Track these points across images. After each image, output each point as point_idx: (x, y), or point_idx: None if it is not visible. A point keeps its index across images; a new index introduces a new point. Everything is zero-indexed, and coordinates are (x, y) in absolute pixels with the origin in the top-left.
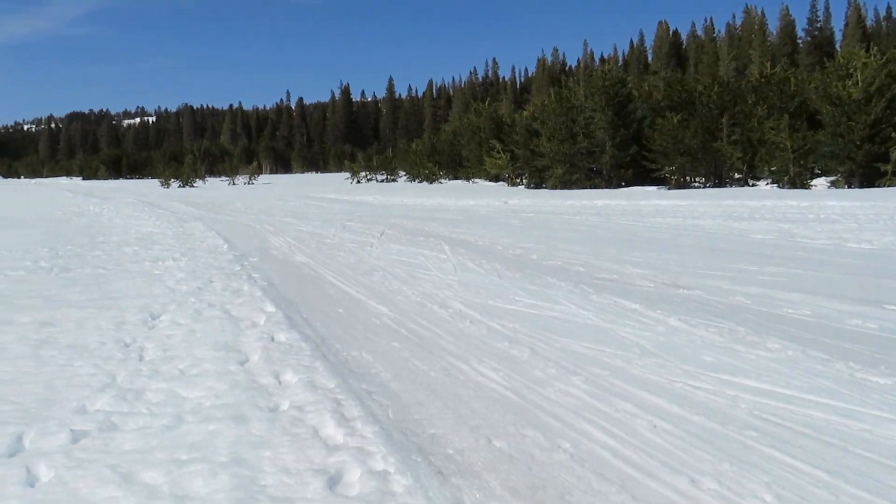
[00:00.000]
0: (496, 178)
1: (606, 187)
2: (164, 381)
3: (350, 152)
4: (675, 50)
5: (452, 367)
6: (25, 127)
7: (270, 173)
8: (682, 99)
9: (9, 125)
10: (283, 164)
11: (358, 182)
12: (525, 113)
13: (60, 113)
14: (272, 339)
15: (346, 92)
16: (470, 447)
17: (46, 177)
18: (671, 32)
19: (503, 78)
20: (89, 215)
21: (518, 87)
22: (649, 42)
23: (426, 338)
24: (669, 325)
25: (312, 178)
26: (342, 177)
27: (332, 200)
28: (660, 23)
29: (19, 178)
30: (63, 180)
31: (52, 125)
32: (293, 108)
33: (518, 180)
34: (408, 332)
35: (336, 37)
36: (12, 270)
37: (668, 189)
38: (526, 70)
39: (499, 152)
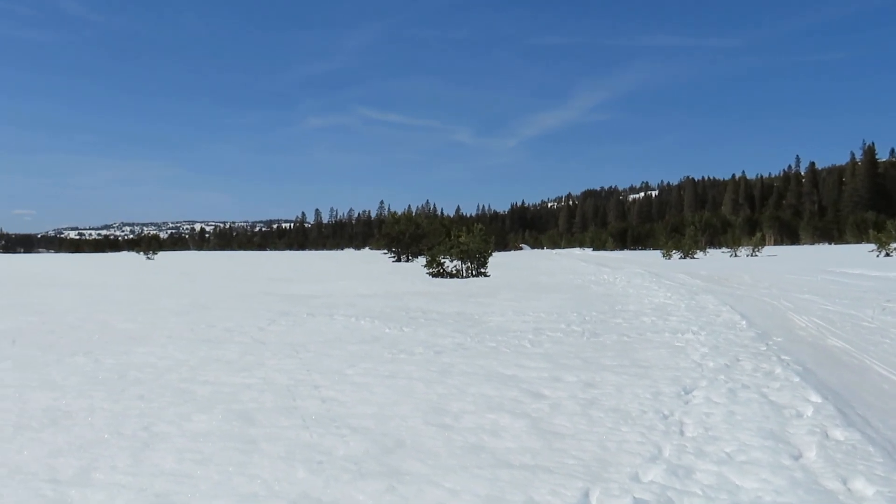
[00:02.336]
0: None
1: None
2: (713, 463)
3: (874, 220)
4: None
5: None
6: (549, 204)
7: (775, 244)
8: None
9: (536, 203)
10: (788, 235)
11: (887, 255)
12: None
13: (577, 191)
14: (826, 436)
15: (869, 152)
16: None
17: (563, 247)
18: None
19: None
20: (604, 284)
21: None
22: None
23: None
24: None
25: (824, 249)
26: (863, 249)
27: (857, 276)
28: None
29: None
30: (577, 251)
31: (570, 202)
32: (802, 173)
33: None
34: None
35: (856, 96)
36: (551, 332)
37: None
38: None
39: None
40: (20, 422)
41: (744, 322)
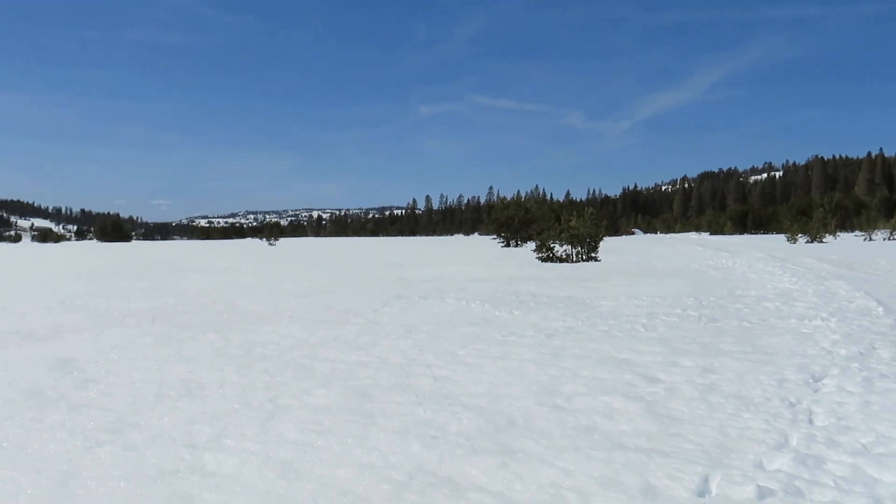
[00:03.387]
0: None
1: None
2: (847, 454)
3: None
4: None
5: None
6: (663, 188)
7: None
8: None
9: (649, 187)
10: None
11: None
12: None
13: (693, 173)
14: None
15: None
16: None
17: (678, 232)
18: None
19: None
20: (722, 269)
21: None
22: None
23: None
24: None
25: None
26: None
27: None
28: None
29: (656, 233)
30: (692, 235)
31: (686, 185)
32: None
33: None
34: None
35: None
36: (666, 316)
37: None
38: None
39: None
40: (161, 392)
41: (881, 308)
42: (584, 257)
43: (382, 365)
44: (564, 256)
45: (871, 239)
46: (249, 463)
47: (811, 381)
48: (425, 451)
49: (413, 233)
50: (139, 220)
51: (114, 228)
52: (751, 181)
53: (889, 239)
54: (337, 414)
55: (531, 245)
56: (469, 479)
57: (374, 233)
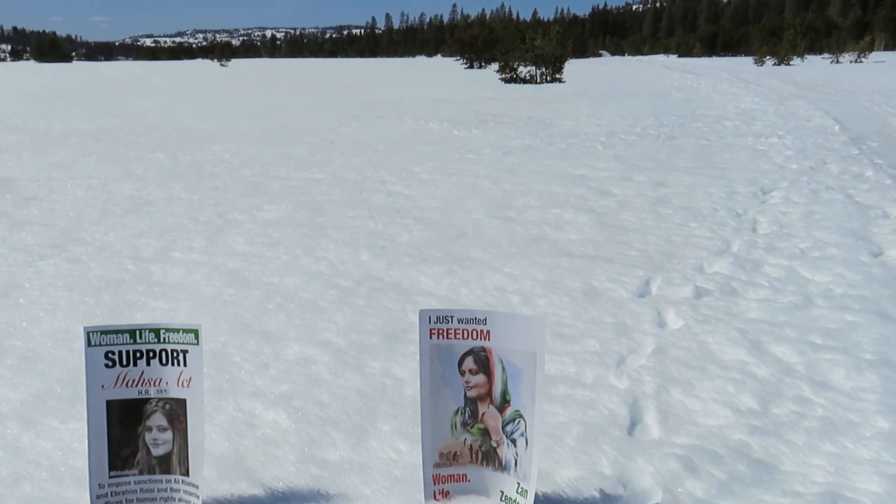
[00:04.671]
0: None
1: None
2: (784, 258)
3: None
4: None
5: None
6: (634, 6)
7: (885, 50)
8: None
9: (620, 6)
10: None
11: None
12: None
13: None
14: None
15: None
16: None
17: (647, 54)
18: None
19: None
20: (687, 90)
21: None
22: None
23: None
24: None
25: None
26: None
27: None
28: None
29: (623, 55)
30: (660, 57)
31: (658, 3)
32: None
33: None
34: None
35: None
36: (625, 135)
37: None
38: None
39: None
40: (106, 208)
41: (837, 126)
42: (548, 79)
43: (336, 181)
44: (528, 77)
45: (837, 62)
46: (196, 273)
47: (760, 193)
48: (374, 259)
49: (373, 54)
50: (79, 39)
51: (52, 47)
52: (724, 1)
53: (856, 61)
54: (287, 227)
55: (495, 66)
56: (416, 285)
57: (333, 54)
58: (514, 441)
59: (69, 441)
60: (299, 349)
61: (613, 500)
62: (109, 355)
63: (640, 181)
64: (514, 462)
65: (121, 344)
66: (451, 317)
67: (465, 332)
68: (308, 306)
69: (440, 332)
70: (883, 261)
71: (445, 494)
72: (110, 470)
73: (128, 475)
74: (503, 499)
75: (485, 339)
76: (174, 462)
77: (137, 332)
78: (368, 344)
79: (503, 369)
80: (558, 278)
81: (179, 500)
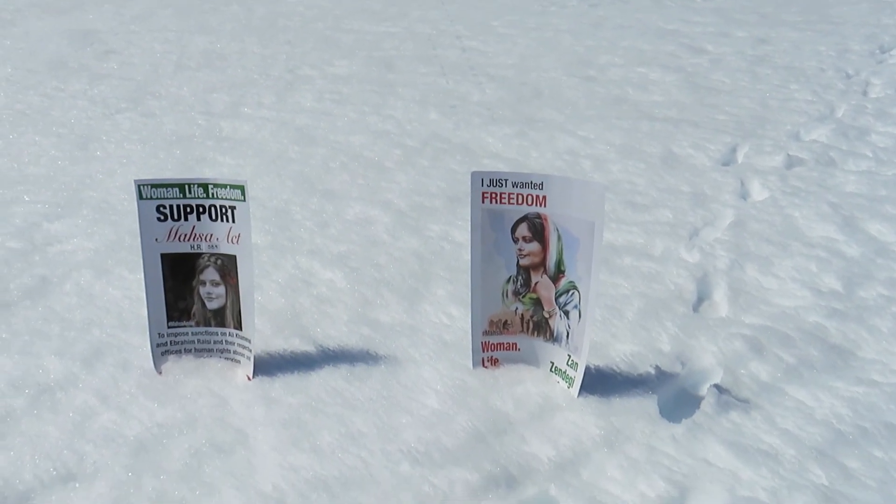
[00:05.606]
0: None
1: None
2: (894, 125)
3: None
4: None
5: None
6: None
7: None
8: None
9: None
10: None
11: None
12: None
13: None
14: None
15: None
16: None
17: None
18: None
19: None
20: None
21: None
22: None
23: None
24: None
25: None
26: None
27: None
28: None
29: None
30: None
31: None
32: None
33: None
34: None
35: None
36: None
37: None
38: None
39: None
40: (180, 62)
41: None
42: None
43: (409, 36)
44: None
45: None
46: (264, 129)
47: (877, 52)
48: (443, 118)
49: None
50: None
51: None
52: None
53: None
54: (356, 84)
55: None
56: (484, 147)
57: None
58: (566, 313)
59: (137, 291)
60: (360, 209)
61: (669, 378)
62: (161, 209)
63: (739, 37)
64: (565, 334)
65: (171, 198)
66: (506, 180)
67: (520, 197)
68: (372, 166)
69: (493, 195)
70: None
71: (494, 362)
72: (168, 321)
73: (185, 326)
74: (553, 369)
75: (541, 204)
76: (228, 316)
77: (186, 187)
78: (430, 206)
79: (559, 238)
80: (636, 143)
81: (234, 352)
